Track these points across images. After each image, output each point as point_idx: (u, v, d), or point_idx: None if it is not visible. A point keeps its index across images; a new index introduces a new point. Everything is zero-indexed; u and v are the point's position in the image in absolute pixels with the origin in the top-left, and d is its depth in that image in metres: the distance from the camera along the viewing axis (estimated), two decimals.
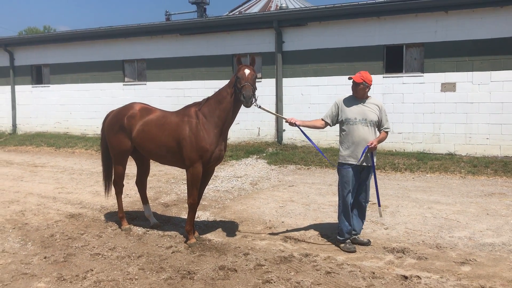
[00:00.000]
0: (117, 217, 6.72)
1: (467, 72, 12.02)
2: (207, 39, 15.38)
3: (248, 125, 14.89)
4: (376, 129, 5.57)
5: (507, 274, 4.65)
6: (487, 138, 11.81)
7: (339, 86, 13.42)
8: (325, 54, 13.68)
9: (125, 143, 6.18)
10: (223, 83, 14.96)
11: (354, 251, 5.40)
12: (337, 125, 5.76)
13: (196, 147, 5.58)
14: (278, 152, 12.95)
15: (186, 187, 9.05)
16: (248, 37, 14.75)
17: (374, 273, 4.69)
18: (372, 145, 5.36)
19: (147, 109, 6.22)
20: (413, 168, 10.66)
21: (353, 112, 5.53)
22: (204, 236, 5.98)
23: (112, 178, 6.61)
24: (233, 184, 9.35)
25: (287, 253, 5.32)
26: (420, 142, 12.67)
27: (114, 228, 6.40)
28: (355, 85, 5.60)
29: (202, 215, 7.01)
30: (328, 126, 5.73)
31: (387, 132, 5.59)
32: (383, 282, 4.48)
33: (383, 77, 12.97)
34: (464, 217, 6.78)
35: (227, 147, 6.01)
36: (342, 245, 5.52)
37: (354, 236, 5.66)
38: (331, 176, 10.09)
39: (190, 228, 5.77)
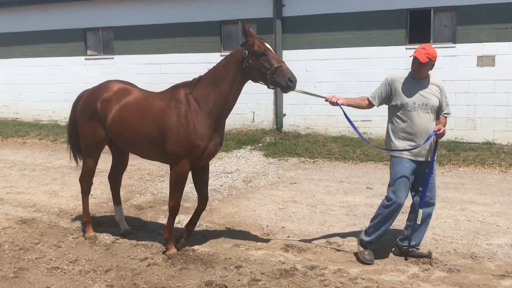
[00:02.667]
0: (80, 222, 6.72)
1: (510, 43, 12.03)
2: (189, 2, 15.28)
3: (241, 108, 14.82)
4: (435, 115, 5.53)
5: None
6: None
7: (353, 60, 13.45)
8: (334, 20, 13.63)
9: (98, 132, 6.08)
10: (209, 56, 15.18)
11: (371, 263, 5.42)
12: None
13: (184, 141, 5.47)
14: (278, 142, 12.98)
15: (164, 186, 9.11)
16: None
17: None
18: (441, 131, 5.31)
19: (125, 90, 6.09)
20: (443, 161, 10.70)
21: (411, 95, 5.42)
22: (187, 246, 5.99)
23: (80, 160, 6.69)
24: (222, 182, 9.38)
25: (288, 265, 5.36)
26: (451, 129, 12.68)
27: (76, 236, 6.42)
28: (419, 65, 5.42)
29: (184, 220, 7.02)
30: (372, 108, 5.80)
31: (446, 118, 5.58)
32: None
33: (406, 48, 12.94)
34: (505, 220, 6.84)
35: (223, 140, 5.97)
36: (361, 250, 5.53)
37: (411, 249, 5.58)
38: (343, 171, 10.14)
39: (169, 236, 5.77)
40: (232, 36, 15.21)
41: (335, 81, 13.55)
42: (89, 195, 6.57)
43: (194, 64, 15.33)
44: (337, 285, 4.86)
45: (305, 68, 14.08)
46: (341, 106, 5.67)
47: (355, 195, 8.34)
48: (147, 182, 9.53)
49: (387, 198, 5.49)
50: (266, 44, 5.42)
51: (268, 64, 5.33)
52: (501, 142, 12.16)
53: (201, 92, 5.57)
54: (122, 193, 7.92)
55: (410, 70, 5.55)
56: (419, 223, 5.48)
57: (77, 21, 16.89)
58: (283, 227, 6.70)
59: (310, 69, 14.00)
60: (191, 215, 6.15)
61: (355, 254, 5.64)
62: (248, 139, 13.40)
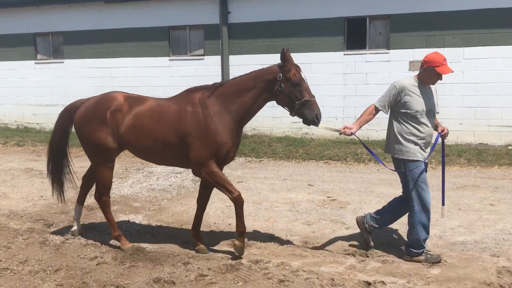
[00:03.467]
0: (30, 224, 6.52)
1: (438, 49, 12.42)
2: (138, 8, 15.12)
3: None
4: None
5: (479, 275, 4.89)
6: (460, 124, 12.33)
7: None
8: (277, 27, 13.78)
9: (109, 142, 5.60)
10: (158, 60, 15.06)
11: (440, 260, 5.31)
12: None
13: (208, 142, 5.26)
14: None
15: (114, 186, 8.95)
16: (188, 6, 14.62)
17: (333, 280, 4.82)
18: (445, 132, 5.48)
19: (134, 98, 5.75)
20: (381, 159, 10.96)
21: (422, 103, 5.29)
22: (136, 244, 5.91)
23: (65, 183, 6.27)
24: (171, 182, 9.30)
25: (234, 260, 5.37)
26: (385, 129, 13.01)
27: (25, 238, 6.22)
28: (437, 76, 5.31)
29: (134, 219, 6.94)
30: None
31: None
32: None
33: (344, 54, 13.25)
34: (434, 213, 7.03)
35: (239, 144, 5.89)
36: (423, 257, 5.32)
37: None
38: (286, 169, 10.24)
39: (244, 228, 5.46)
40: (180, 41, 15.13)
41: None
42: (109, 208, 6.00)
43: (143, 68, 15.24)
44: (279, 277, 4.89)
45: None
46: (356, 135, 5.53)
47: (298, 192, 8.44)
48: None
49: (423, 202, 5.36)
50: (301, 73, 5.24)
51: (300, 95, 5.17)
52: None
53: (223, 98, 5.37)
54: (72, 193, 7.74)
55: (415, 77, 5.40)
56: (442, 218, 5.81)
57: (27, 26, 16.43)
58: (229, 224, 6.70)
59: None
60: (141, 215, 6.07)
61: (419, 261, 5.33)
62: None
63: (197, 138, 5.29)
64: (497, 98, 12.01)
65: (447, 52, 12.33)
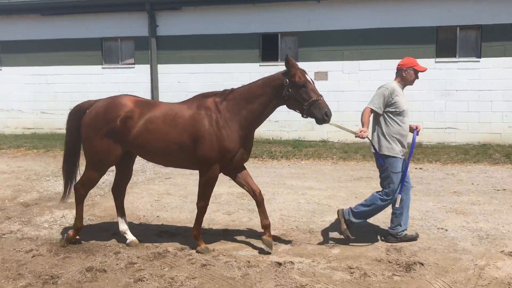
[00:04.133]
0: None
1: (338, 61, 12.88)
2: (73, 21, 14.54)
3: None
4: None
5: (372, 253, 5.10)
6: (357, 125, 12.71)
7: (217, 74, 13.63)
8: (201, 40, 13.72)
9: (114, 149, 5.15)
10: (91, 69, 14.52)
11: (353, 238, 5.39)
12: None
13: (217, 146, 4.95)
14: None
15: (50, 184, 8.54)
16: (119, 19, 14.23)
17: (249, 262, 4.85)
18: (419, 129, 5.55)
19: (144, 103, 5.30)
20: (289, 156, 11.19)
21: (405, 102, 5.35)
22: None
23: (75, 180, 5.62)
24: (104, 179, 8.92)
25: (161, 248, 5.27)
26: (295, 130, 13.32)
27: None
28: (416, 75, 5.41)
29: (68, 214, 6.64)
30: None
31: None
32: (257, 270, 4.65)
33: (260, 65, 13.36)
34: (335, 201, 7.29)
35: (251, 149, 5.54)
36: (345, 228, 5.40)
37: (404, 233, 5.48)
38: None
39: (198, 233, 5.25)
40: (112, 51, 14.71)
41: (203, 91, 13.59)
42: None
43: (78, 75, 14.72)
44: (202, 262, 4.86)
45: (178, 80, 13.99)
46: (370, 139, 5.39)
47: (219, 185, 8.33)
48: (33, 181, 8.85)
49: (386, 193, 5.34)
50: (306, 76, 4.94)
51: (307, 96, 4.88)
52: (333, 140, 12.98)
53: (233, 104, 5.06)
54: (9, 191, 7.31)
55: (396, 81, 5.44)
56: (397, 206, 5.42)
57: None
58: (158, 216, 6.58)
59: (182, 81, 13.94)
60: (75, 210, 5.76)
61: (341, 231, 5.46)
62: None
63: (208, 140, 4.96)
64: None
65: (346, 65, 12.82)
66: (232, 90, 5.21)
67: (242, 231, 5.93)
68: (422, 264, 4.74)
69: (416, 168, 9.81)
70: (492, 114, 12.21)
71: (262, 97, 5.03)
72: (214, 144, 4.95)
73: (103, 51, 14.61)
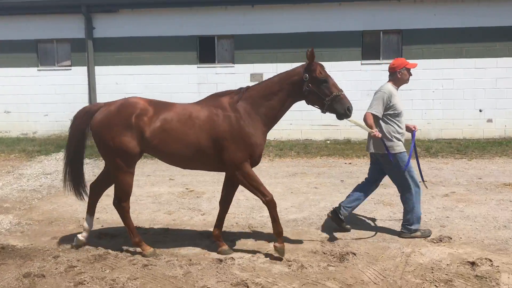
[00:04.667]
0: None
1: (273, 64, 12.98)
2: (7, 23, 13.68)
3: (59, 116, 13.73)
4: None
5: (308, 245, 5.15)
6: (291, 124, 12.96)
7: (155, 75, 13.35)
8: (138, 42, 13.37)
9: (133, 146, 4.75)
10: (26, 71, 13.75)
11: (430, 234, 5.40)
12: None
13: (243, 145, 4.68)
14: (93, 145, 12.21)
15: None
16: (55, 21, 13.58)
17: (191, 260, 4.75)
18: (416, 128, 5.60)
19: (158, 103, 4.95)
20: None
21: (401, 103, 5.37)
22: (5, 242, 5.31)
23: (83, 181, 5.26)
24: (41, 182, 8.53)
25: (102, 250, 5.05)
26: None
27: None
28: (409, 73, 5.43)
29: (3, 220, 6.22)
30: None
31: None
32: (199, 268, 4.56)
33: (198, 67, 13.23)
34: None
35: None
36: (419, 233, 5.36)
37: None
38: (150, 167, 9.94)
39: (281, 229, 4.84)
40: (48, 53, 14.02)
41: (141, 93, 13.24)
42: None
43: (13, 78, 13.91)
44: (144, 262, 4.70)
45: (116, 81, 13.54)
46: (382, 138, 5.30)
47: (160, 186, 8.23)
48: None
49: (409, 188, 5.33)
50: (326, 70, 4.75)
51: (328, 91, 4.67)
52: (270, 138, 13.00)
53: (251, 102, 4.80)
54: None
55: (390, 83, 5.43)
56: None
57: None
58: (97, 218, 6.29)
59: (120, 82, 13.51)
60: (11, 214, 5.42)
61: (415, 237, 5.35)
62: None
63: (232, 141, 4.67)
64: None
65: (280, 67, 12.92)
66: (248, 88, 4.95)
67: (183, 230, 5.81)
68: (355, 254, 4.84)
69: (345, 163, 10.07)
70: (413, 111, 12.76)
71: (280, 93, 4.79)
72: (240, 143, 4.67)
73: (38, 53, 13.88)
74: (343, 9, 12.73)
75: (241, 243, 5.26)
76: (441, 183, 8.10)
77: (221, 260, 4.74)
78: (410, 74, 5.48)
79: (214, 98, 4.94)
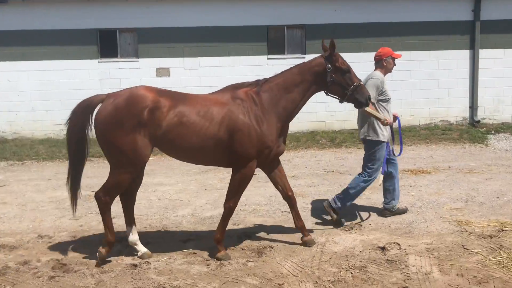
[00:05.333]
0: None
1: (179, 58, 12.70)
2: None
3: None
4: None
5: (225, 242, 5.00)
6: None
7: (53, 71, 12.45)
8: (32, 36, 12.33)
9: (142, 147, 4.33)
10: None
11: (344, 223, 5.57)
12: None
13: (256, 142, 4.46)
14: None
15: None
16: None
17: (103, 268, 4.46)
18: (397, 115, 5.83)
19: (170, 93, 4.54)
20: None
21: (389, 91, 5.54)
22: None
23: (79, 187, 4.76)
24: None
25: (0, 265, 4.58)
26: None
27: None
28: (393, 63, 5.64)
29: None
30: None
31: None
32: (112, 275, 4.30)
33: (99, 62, 12.56)
34: (186, 195, 7.16)
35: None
36: (336, 217, 5.54)
37: (397, 207, 5.81)
38: (50, 170, 9.27)
39: (221, 237, 4.70)
40: None
41: (38, 90, 12.35)
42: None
43: None
44: (50, 274, 4.33)
45: (8, 78, 12.43)
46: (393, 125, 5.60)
47: (63, 190, 7.61)
48: None
49: (369, 174, 5.53)
50: (347, 63, 4.71)
51: (351, 82, 4.64)
52: None
53: (270, 95, 4.59)
54: None
55: (379, 70, 5.58)
56: (380, 184, 5.69)
57: None
58: None
59: (12, 79, 12.42)
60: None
61: (333, 221, 5.56)
62: None
63: (247, 135, 4.44)
64: None
65: (186, 61, 12.70)
66: (266, 80, 4.75)
67: (93, 236, 5.46)
68: (272, 248, 4.86)
69: None
70: (317, 104, 13.16)
71: (302, 85, 4.67)
72: (254, 139, 4.47)
73: None
74: (248, 3, 12.77)
75: (156, 246, 5.05)
76: (347, 172, 8.45)
77: (136, 265, 4.51)
78: (395, 64, 5.73)
79: (232, 90, 4.69)
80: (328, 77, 4.65)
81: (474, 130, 12.36)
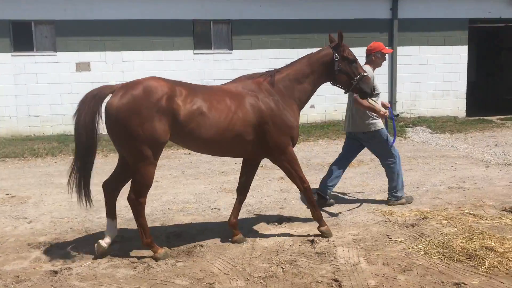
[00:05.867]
0: None
1: (101, 52, 12.17)
2: None
3: None
4: None
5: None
6: None
7: None
8: None
9: (164, 133, 4.19)
10: None
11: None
12: None
13: (285, 129, 4.59)
14: None
15: None
16: None
17: (18, 277, 4.12)
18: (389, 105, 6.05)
19: (185, 84, 4.45)
20: (55, 152, 10.13)
21: (378, 84, 5.72)
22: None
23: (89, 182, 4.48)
24: None
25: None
26: (60, 124, 12.16)
27: None
28: (383, 57, 5.82)
29: None
30: None
31: None
32: (29, 284, 3.98)
33: (12, 55, 11.76)
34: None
35: None
36: (404, 200, 5.94)
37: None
38: None
39: (320, 215, 4.97)
40: None
41: None
42: None
43: None
44: None
45: None
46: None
47: None
48: None
49: (394, 156, 5.85)
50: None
51: (357, 71, 4.81)
52: (102, 132, 12.22)
53: (284, 86, 4.70)
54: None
55: (368, 65, 5.72)
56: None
57: None
58: None
59: None
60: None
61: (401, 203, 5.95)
62: None
63: (274, 125, 4.53)
64: None
65: (108, 56, 12.18)
66: (277, 71, 4.83)
67: (6, 242, 5.04)
68: (202, 246, 4.75)
69: (185, 154, 9.97)
70: None
71: (312, 75, 4.81)
72: (283, 127, 4.59)
73: None
74: None
75: (78, 250, 4.75)
76: (276, 166, 8.49)
77: (56, 272, 4.21)
78: (384, 59, 5.89)
79: (246, 81, 4.72)
80: (335, 66, 4.79)
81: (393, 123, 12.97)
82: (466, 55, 14.30)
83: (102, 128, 4.34)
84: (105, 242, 4.54)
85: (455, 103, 14.49)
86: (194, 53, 12.83)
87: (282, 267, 4.20)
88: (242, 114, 4.45)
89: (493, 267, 4.05)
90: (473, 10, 14.02)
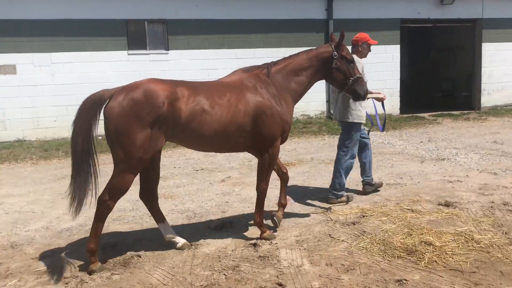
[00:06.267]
0: None
1: (27, 54, 11.48)
2: None
3: None
4: None
5: (84, 257, 4.59)
6: (55, 121, 11.74)
7: None
8: None
9: (157, 142, 4.18)
10: None
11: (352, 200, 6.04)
12: None
13: (280, 120, 4.63)
14: None
15: None
16: None
17: None
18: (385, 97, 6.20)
19: (184, 83, 4.41)
20: None
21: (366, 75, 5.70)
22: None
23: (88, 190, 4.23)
24: None
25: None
26: None
27: None
28: (368, 48, 5.97)
29: None
30: None
31: None
32: None
33: None
34: (39, 206, 6.42)
35: None
36: (345, 198, 5.95)
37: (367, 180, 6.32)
38: None
39: (261, 220, 4.88)
40: None
41: None
42: None
43: None
44: None
45: None
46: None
47: None
48: None
49: (352, 155, 5.95)
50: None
51: (353, 72, 4.91)
52: (31, 138, 11.58)
53: (281, 77, 4.77)
54: None
55: (354, 55, 5.54)
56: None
57: None
58: None
59: None
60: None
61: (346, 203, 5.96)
62: None
63: (270, 115, 4.57)
64: (84, 96, 11.85)
65: (36, 57, 11.51)
66: (274, 63, 4.87)
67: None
68: (140, 256, 4.52)
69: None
70: None
71: (309, 70, 4.88)
72: (277, 119, 4.61)
73: None
74: None
75: (2, 268, 4.38)
76: (217, 169, 8.37)
77: None
78: (370, 50, 6.02)
79: (242, 73, 4.77)
80: (333, 64, 4.88)
81: (331, 122, 13.18)
82: (399, 54, 14.81)
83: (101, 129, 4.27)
84: (180, 241, 4.67)
85: (389, 101, 14.96)
86: (128, 54, 12.39)
87: (224, 274, 4.06)
88: (242, 106, 4.50)
89: (432, 262, 4.14)
90: (404, 10, 14.54)
